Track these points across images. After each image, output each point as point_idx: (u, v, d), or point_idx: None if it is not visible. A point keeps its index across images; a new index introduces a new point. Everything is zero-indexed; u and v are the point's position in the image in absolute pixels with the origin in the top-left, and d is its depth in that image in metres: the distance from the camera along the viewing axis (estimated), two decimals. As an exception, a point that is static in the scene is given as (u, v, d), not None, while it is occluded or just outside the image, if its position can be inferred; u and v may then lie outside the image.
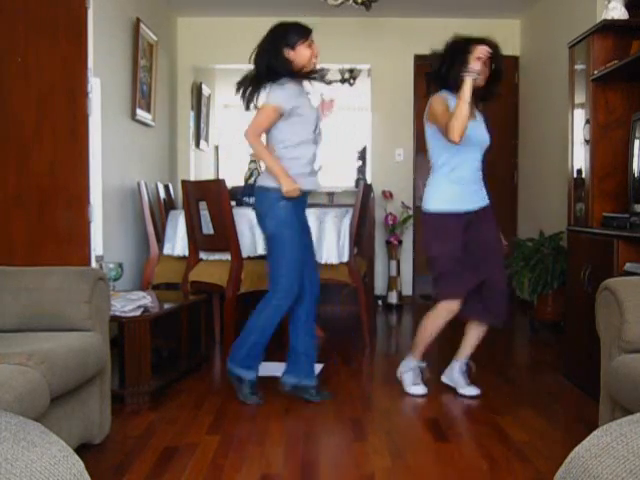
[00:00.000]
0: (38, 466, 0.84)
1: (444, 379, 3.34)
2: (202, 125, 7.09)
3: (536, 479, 2.25)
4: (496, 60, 3.07)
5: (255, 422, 2.84)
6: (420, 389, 3.25)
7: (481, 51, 2.92)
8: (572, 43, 3.54)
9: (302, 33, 3.08)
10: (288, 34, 3.07)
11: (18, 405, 1.68)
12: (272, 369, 3.54)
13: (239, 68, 7.84)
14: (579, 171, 3.49)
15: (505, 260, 3.32)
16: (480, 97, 3.18)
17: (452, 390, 3.29)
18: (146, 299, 3.29)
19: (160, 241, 4.65)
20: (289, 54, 3.04)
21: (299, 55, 3.04)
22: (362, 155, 7.75)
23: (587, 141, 3.36)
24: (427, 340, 3.24)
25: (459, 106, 2.89)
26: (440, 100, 3.06)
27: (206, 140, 7.43)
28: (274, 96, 3.03)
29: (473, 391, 3.26)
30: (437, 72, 3.12)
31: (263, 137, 3.13)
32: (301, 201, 3.11)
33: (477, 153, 3.15)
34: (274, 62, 3.04)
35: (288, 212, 3.04)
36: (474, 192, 3.17)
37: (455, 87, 2.99)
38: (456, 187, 3.12)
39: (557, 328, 4.58)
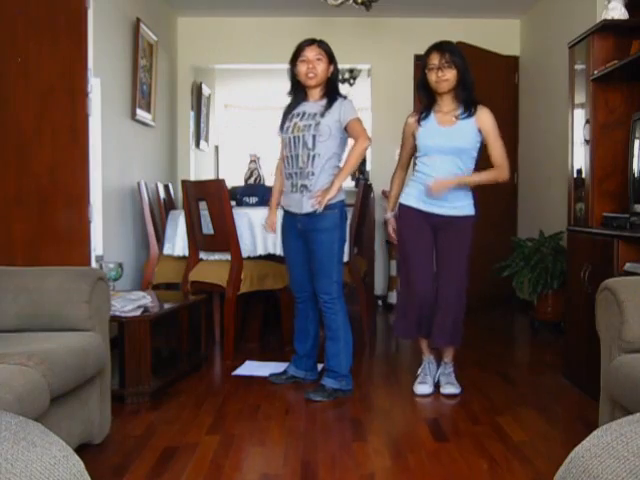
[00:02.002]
0: (38, 466, 0.84)
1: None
2: (202, 125, 7.09)
3: (536, 479, 2.25)
4: (455, 60, 3.12)
5: (255, 422, 2.84)
6: (424, 388, 3.26)
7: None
8: (572, 43, 3.54)
9: (297, 49, 3.25)
10: (294, 51, 3.26)
11: (18, 405, 1.68)
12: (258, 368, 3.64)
13: (239, 68, 7.82)
14: (579, 171, 3.49)
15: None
16: (462, 101, 3.18)
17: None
18: (146, 299, 3.30)
19: (160, 241, 4.65)
20: (294, 70, 3.25)
21: (298, 71, 3.23)
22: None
23: (587, 141, 3.36)
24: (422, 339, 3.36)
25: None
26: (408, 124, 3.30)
27: (206, 140, 7.43)
28: None
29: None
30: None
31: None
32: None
33: (452, 161, 3.15)
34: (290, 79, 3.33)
35: (282, 222, 3.42)
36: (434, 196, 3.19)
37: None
38: (420, 185, 3.21)
39: (557, 328, 4.58)
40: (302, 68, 3.19)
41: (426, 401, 3.19)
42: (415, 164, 3.31)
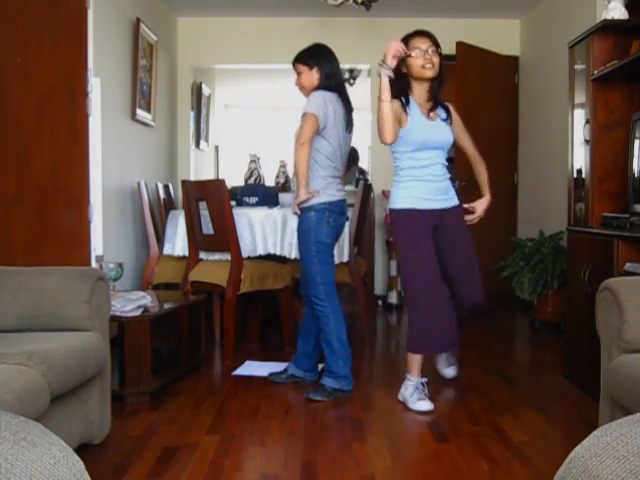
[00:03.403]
0: (38, 466, 0.84)
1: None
2: (202, 125, 7.09)
3: (536, 479, 2.25)
4: (439, 48, 2.99)
5: (255, 422, 2.84)
6: (427, 404, 3.03)
7: (393, 49, 2.84)
8: (572, 43, 3.54)
9: None
10: None
11: (18, 405, 1.68)
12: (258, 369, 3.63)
13: (239, 68, 7.82)
14: (579, 171, 3.49)
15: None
16: (433, 96, 3.06)
17: (450, 390, 3.29)
18: (146, 299, 3.30)
19: (160, 241, 4.65)
20: None
21: None
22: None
23: (587, 141, 3.36)
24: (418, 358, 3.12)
25: (377, 106, 2.85)
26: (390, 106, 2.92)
27: (206, 140, 7.43)
28: None
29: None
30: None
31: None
32: None
33: (439, 155, 3.07)
34: None
35: None
36: (439, 191, 3.09)
37: (406, 89, 3.02)
38: (422, 184, 3.05)
39: (557, 328, 4.58)
40: None
41: (426, 401, 3.19)
42: (397, 161, 3.09)
